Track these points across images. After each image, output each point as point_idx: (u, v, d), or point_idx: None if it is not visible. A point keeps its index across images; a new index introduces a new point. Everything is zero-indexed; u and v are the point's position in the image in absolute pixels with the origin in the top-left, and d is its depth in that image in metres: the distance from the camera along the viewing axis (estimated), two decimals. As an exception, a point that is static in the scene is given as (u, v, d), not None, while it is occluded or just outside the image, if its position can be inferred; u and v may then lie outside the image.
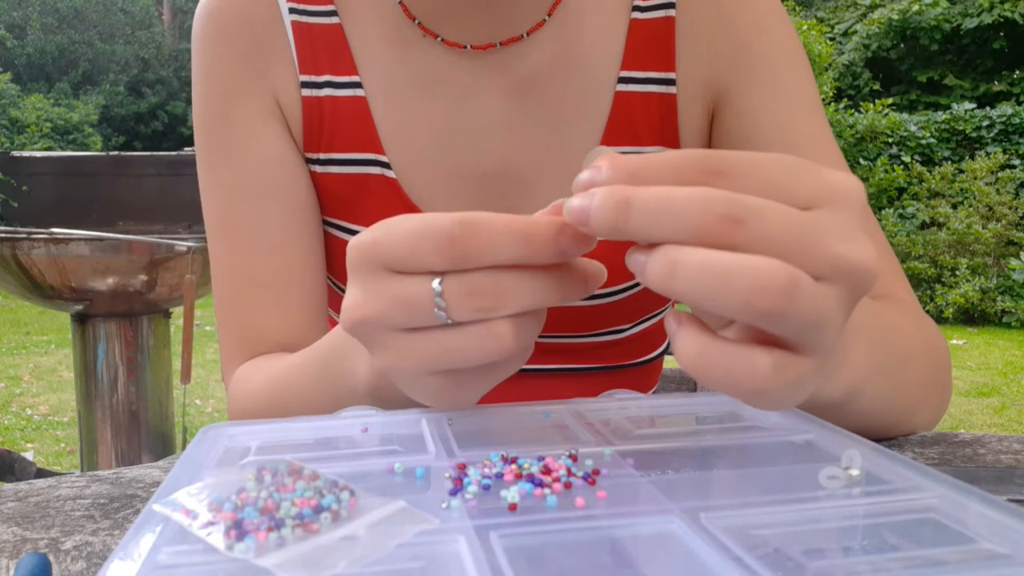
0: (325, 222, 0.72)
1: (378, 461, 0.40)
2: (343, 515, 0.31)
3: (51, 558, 0.41)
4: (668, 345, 0.86)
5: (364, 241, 0.39)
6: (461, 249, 0.36)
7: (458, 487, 0.36)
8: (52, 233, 2.40)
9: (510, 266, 0.37)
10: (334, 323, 0.78)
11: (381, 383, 0.49)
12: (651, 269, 0.32)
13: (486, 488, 0.36)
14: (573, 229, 0.37)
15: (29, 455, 3.03)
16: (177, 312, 2.79)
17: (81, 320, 2.62)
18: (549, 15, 0.69)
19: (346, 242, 0.71)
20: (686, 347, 0.33)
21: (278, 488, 0.33)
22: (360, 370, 0.51)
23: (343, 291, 0.74)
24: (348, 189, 0.70)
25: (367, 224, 0.70)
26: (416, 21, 0.69)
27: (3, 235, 2.38)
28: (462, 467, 0.38)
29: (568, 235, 0.37)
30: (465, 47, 0.68)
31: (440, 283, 0.37)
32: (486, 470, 0.37)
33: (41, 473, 2.56)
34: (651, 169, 0.34)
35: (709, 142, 0.71)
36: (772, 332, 0.33)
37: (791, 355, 0.34)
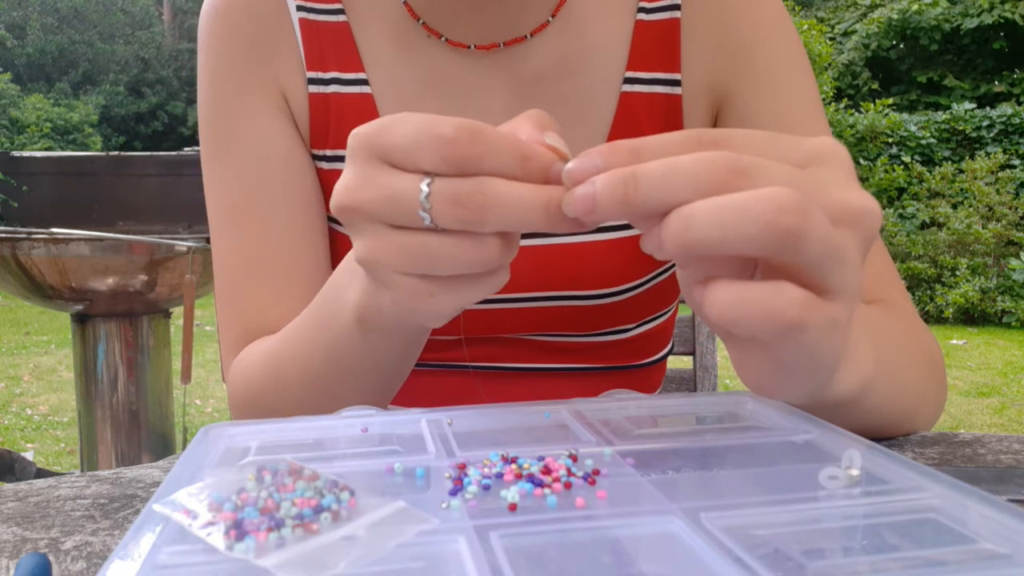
0: (329, 219, 0.72)
1: (378, 461, 0.40)
2: (343, 515, 0.31)
3: (51, 558, 0.41)
4: (672, 347, 0.86)
5: (367, 129, 0.39)
6: (457, 152, 0.37)
7: (458, 487, 0.36)
8: (52, 233, 2.40)
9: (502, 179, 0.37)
10: None
11: (368, 303, 0.48)
12: (668, 232, 0.33)
13: (486, 488, 0.36)
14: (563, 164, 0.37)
15: (29, 455, 3.03)
16: (177, 312, 2.78)
17: (81, 320, 2.62)
18: (553, 16, 0.69)
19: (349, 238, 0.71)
20: (720, 294, 0.34)
21: (278, 488, 0.33)
22: (349, 296, 0.50)
23: None
24: None
25: None
26: (420, 21, 0.69)
27: (3, 235, 2.38)
28: (462, 467, 0.38)
29: (559, 168, 0.37)
30: (469, 47, 0.68)
31: (428, 185, 0.37)
32: (486, 470, 0.37)
33: (41, 473, 2.56)
34: (651, 146, 0.35)
35: None
36: (794, 265, 0.33)
37: (819, 297, 0.34)
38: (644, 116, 0.69)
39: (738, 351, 0.38)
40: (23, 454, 2.61)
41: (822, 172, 0.36)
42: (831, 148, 0.37)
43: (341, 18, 0.70)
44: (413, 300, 0.41)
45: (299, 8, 0.70)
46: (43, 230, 2.46)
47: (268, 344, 0.64)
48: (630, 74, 0.69)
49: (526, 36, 0.68)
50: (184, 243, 2.44)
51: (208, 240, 2.54)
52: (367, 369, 0.55)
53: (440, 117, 0.38)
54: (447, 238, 0.38)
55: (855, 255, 0.35)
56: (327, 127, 0.70)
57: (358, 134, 0.40)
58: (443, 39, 0.69)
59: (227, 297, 0.70)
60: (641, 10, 0.70)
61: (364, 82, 0.70)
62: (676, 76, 0.69)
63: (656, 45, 0.69)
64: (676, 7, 0.69)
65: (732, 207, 0.32)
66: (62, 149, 12.43)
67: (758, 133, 0.36)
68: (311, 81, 0.70)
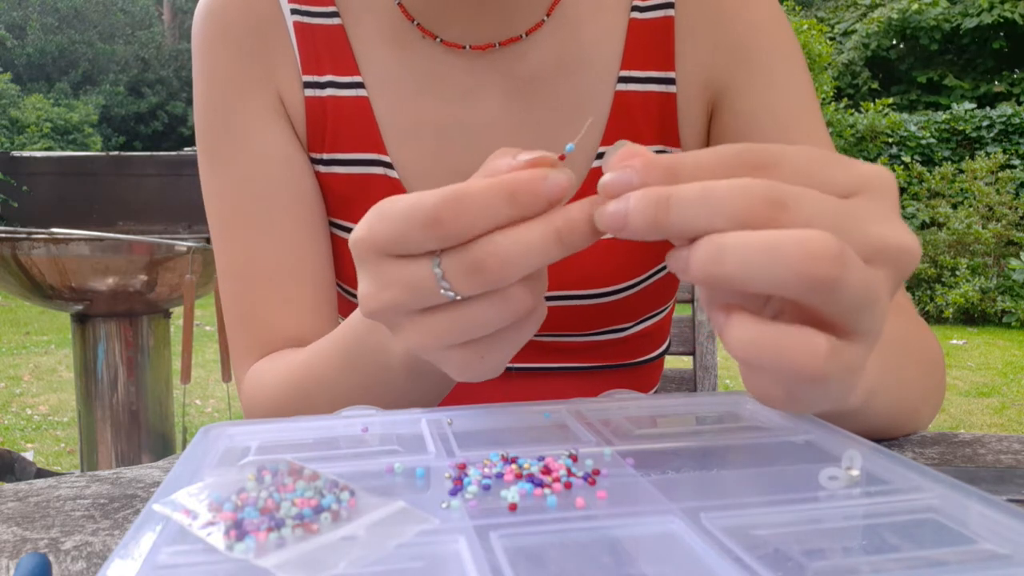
0: (331, 222, 0.72)
1: (378, 461, 0.40)
2: (343, 515, 0.31)
3: (51, 558, 0.41)
4: (669, 344, 0.86)
5: (361, 232, 0.39)
6: (449, 228, 0.36)
7: (458, 487, 0.36)
8: (52, 233, 2.40)
9: (508, 225, 0.37)
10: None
11: (418, 362, 0.49)
12: (696, 258, 0.32)
13: (486, 488, 0.36)
14: (557, 177, 0.36)
15: (29, 455, 3.03)
16: (177, 312, 2.79)
17: (81, 320, 2.62)
18: (548, 15, 0.69)
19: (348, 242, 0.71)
20: (741, 331, 0.32)
21: (278, 488, 0.33)
22: (395, 347, 0.51)
23: (348, 293, 0.74)
24: (351, 189, 0.70)
25: None
26: (415, 22, 0.69)
27: (3, 235, 2.38)
28: (462, 467, 0.38)
29: (552, 186, 0.36)
30: (464, 48, 0.68)
31: (439, 265, 0.37)
32: (486, 470, 0.37)
33: (41, 473, 2.56)
34: (688, 165, 0.34)
35: (708, 141, 0.72)
36: (822, 310, 0.32)
37: (842, 340, 0.33)
38: (639, 114, 0.69)
39: (749, 370, 0.37)
40: (23, 454, 2.60)
41: (865, 204, 0.34)
42: (878, 177, 0.35)
43: (336, 20, 0.70)
44: (468, 367, 0.41)
45: (293, 11, 0.70)
46: (43, 230, 2.46)
47: (289, 367, 0.63)
48: (624, 73, 0.69)
49: (521, 36, 0.68)
50: (184, 243, 2.44)
51: (208, 240, 2.54)
52: (408, 402, 0.55)
53: (419, 197, 0.37)
54: (477, 304, 0.38)
55: (885, 296, 0.33)
56: (324, 130, 0.70)
57: (355, 241, 0.39)
58: (438, 40, 0.69)
59: (235, 305, 0.69)
60: (635, 8, 0.69)
61: (360, 85, 0.69)
62: (671, 74, 0.69)
63: (650, 43, 0.69)
64: (670, 5, 0.69)
65: (764, 247, 0.30)
66: (62, 149, 12.43)
67: (806, 153, 0.34)
68: (307, 85, 0.70)
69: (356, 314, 0.56)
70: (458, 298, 0.38)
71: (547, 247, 0.36)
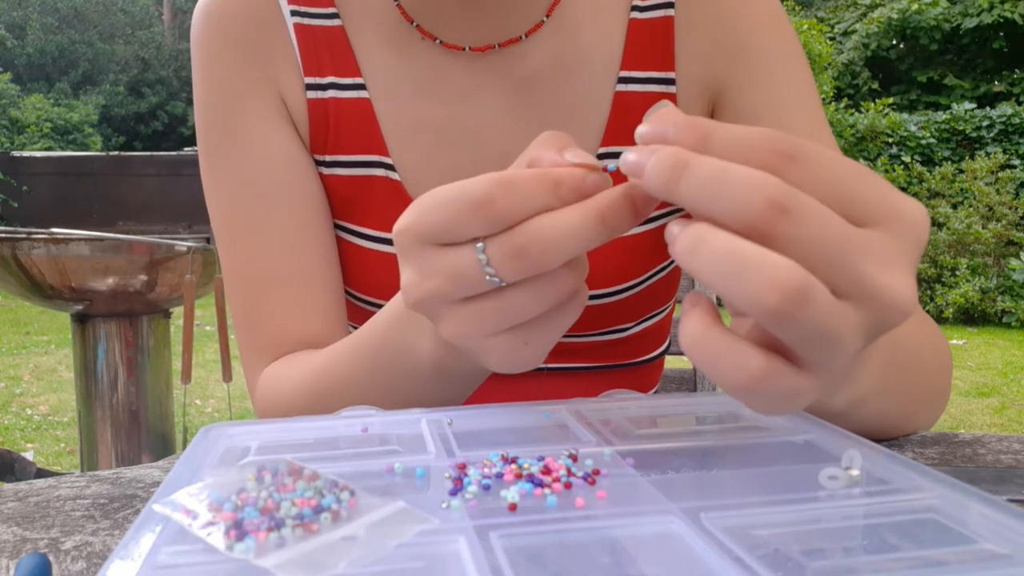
0: (335, 224, 0.72)
1: (378, 461, 0.40)
2: (343, 515, 0.31)
3: (51, 558, 0.41)
4: (669, 344, 0.86)
5: (406, 222, 0.40)
6: (496, 210, 0.37)
7: (458, 487, 0.36)
8: (52, 233, 2.40)
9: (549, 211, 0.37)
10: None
11: (448, 357, 0.49)
12: (678, 243, 0.32)
13: (486, 488, 0.36)
14: (594, 178, 0.37)
15: (29, 455, 3.03)
16: (177, 312, 2.78)
17: (81, 320, 2.62)
18: (547, 16, 0.69)
19: (352, 245, 0.71)
20: (689, 327, 0.33)
21: (278, 488, 0.33)
22: (424, 346, 0.50)
23: (353, 296, 0.73)
24: (353, 191, 0.70)
25: (372, 226, 0.70)
26: (414, 23, 0.69)
27: (3, 235, 2.38)
28: (462, 467, 0.38)
29: (592, 183, 0.37)
30: (464, 49, 0.68)
31: (484, 250, 0.38)
32: (486, 470, 0.37)
33: (41, 473, 2.56)
34: (724, 134, 0.33)
35: None
36: (779, 337, 0.32)
37: (788, 366, 0.33)
38: (639, 115, 0.69)
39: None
40: (23, 454, 2.60)
41: (877, 238, 0.32)
42: (910, 215, 0.33)
43: (336, 22, 0.70)
44: (511, 355, 0.42)
45: (294, 12, 0.70)
46: (43, 230, 2.46)
47: (307, 370, 0.63)
48: (624, 73, 0.69)
49: (520, 37, 0.68)
50: (184, 243, 2.44)
51: (208, 240, 2.54)
52: (433, 401, 0.55)
53: (467, 182, 0.38)
54: (521, 289, 0.39)
55: (852, 342, 0.32)
56: (326, 132, 0.70)
57: (400, 230, 0.40)
58: (437, 41, 0.68)
59: (242, 308, 0.69)
60: (635, 8, 0.69)
61: (361, 86, 0.69)
62: (671, 75, 0.69)
63: (650, 44, 0.69)
64: (670, 5, 0.69)
65: (732, 262, 0.30)
66: (62, 149, 12.42)
67: (842, 162, 0.33)
68: (309, 87, 0.69)
69: (381, 315, 0.55)
70: (502, 284, 0.38)
71: (589, 230, 0.37)
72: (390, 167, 0.69)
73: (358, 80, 0.69)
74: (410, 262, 0.41)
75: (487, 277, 0.38)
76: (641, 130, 0.35)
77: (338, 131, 0.69)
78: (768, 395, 0.33)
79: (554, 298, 0.39)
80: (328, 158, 0.70)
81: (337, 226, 0.72)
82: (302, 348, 0.67)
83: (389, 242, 0.69)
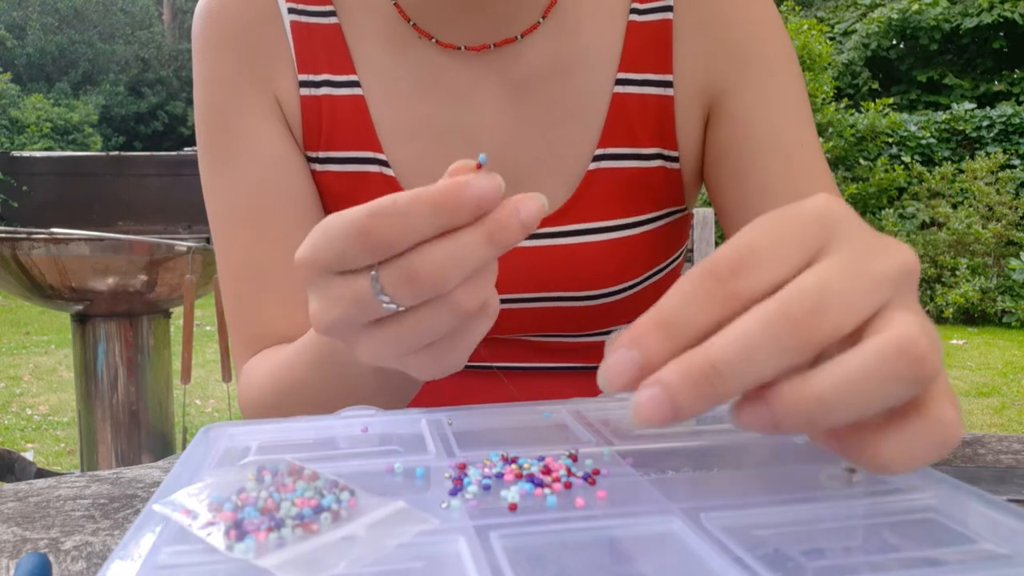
0: None
1: (378, 461, 0.40)
2: (343, 515, 0.31)
3: (51, 558, 0.41)
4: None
5: (304, 254, 0.39)
6: (377, 239, 0.36)
7: (458, 487, 0.36)
8: (52, 233, 2.40)
9: (440, 235, 0.37)
10: None
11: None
12: (796, 418, 0.29)
13: (486, 488, 0.36)
14: (480, 182, 0.36)
15: (29, 455, 3.03)
16: (177, 312, 2.79)
17: (81, 320, 2.62)
18: (543, 17, 0.69)
19: None
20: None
21: (278, 488, 0.33)
22: None
23: None
24: (347, 187, 0.70)
25: None
26: (411, 22, 0.69)
27: (3, 235, 2.38)
28: (462, 467, 0.38)
29: (475, 189, 0.36)
30: (459, 48, 0.68)
31: (377, 278, 0.37)
32: (486, 470, 0.37)
33: (41, 473, 2.56)
34: (675, 311, 0.31)
35: (704, 144, 0.72)
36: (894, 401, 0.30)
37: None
38: (636, 117, 0.69)
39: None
40: (23, 454, 2.60)
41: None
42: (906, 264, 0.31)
43: (333, 20, 0.70)
44: (428, 367, 0.42)
45: (291, 10, 0.70)
46: (43, 230, 2.46)
47: (273, 365, 0.64)
48: (622, 75, 0.69)
49: (517, 37, 0.68)
50: (184, 243, 2.44)
51: (208, 240, 2.54)
52: (382, 401, 0.56)
53: (350, 212, 0.37)
54: (420, 312, 0.39)
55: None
56: (319, 129, 0.70)
57: (299, 262, 0.40)
58: (434, 40, 0.69)
59: (234, 304, 0.70)
60: (633, 11, 0.69)
61: (356, 84, 0.70)
62: (668, 77, 0.69)
63: (648, 46, 0.69)
64: (668, 8, 0.69)
65: (862, 376, 0.28)
66: (62, 149, 12.42)
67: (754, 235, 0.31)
68: (303, 84, 0.70)
69: None
70: (401, 309, 0.38)
71: (479, 250, 0.36)
72: (384, 163, 0.69)
73: (353, 78, 0.70)
74: (313, 291, 0.40)
75: (383, 304, 0.38)
76: (603, 372, 0.31)
77: (332, 128, 0.70)
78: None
79: (456, 319, 0.39)
80: (321, 155, 0.70)
81: None
82: (283, 343, 0.68)
83: None
